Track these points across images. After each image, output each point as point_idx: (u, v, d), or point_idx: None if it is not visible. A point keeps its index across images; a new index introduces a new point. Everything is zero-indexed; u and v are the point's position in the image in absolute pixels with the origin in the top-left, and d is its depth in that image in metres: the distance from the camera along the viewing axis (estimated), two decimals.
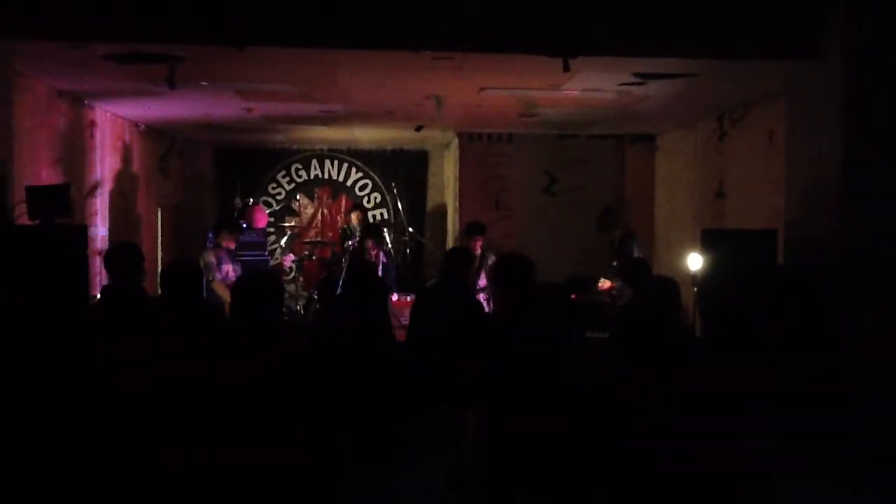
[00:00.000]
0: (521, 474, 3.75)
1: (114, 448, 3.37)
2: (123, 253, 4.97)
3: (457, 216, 10.97)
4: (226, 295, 7.38)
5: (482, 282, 8.32)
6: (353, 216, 9.95)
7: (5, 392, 4.18)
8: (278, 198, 12.23)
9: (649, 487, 3.43)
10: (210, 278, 7.68)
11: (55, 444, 3.46)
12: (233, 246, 8.08)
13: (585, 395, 3.82)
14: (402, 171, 12.21)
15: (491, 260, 8.47)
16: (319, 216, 12.32)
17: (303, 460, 3.19)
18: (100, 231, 8.30)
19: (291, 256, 10.21)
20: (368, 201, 12.31)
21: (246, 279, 3.86)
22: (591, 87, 7.01)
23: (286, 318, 9.80)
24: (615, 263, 7.94)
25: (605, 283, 7.88)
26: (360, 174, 12.35)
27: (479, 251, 8.50)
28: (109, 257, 5.02)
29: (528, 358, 3.89)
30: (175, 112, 8.69)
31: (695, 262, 6.75)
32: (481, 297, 8.00)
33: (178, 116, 9.07)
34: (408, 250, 10.81)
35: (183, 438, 3.26)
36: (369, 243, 8.90)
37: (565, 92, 7.25)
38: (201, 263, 7.93)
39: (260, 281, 3.70)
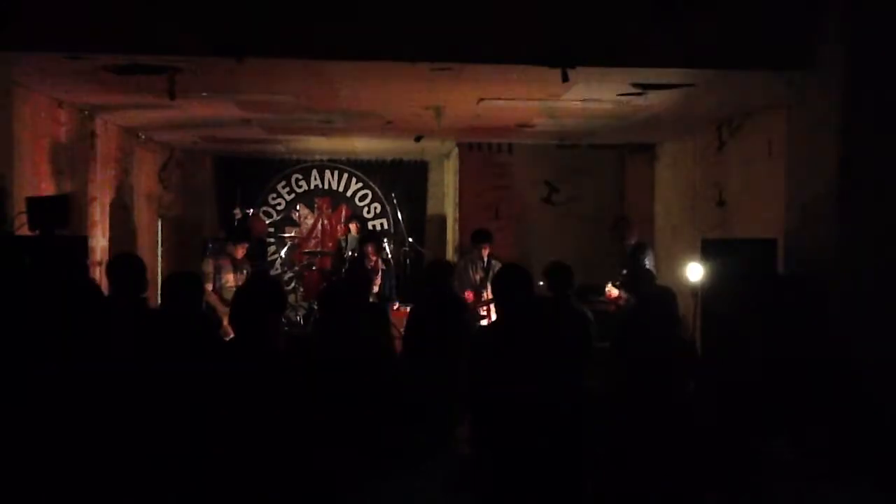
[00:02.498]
0: (511, 481, 3.75)
1: (111, 454, 3.37)
2: (126, 264, 4.97)
3: (457, 226, 10.97)
4: (219, 305, 7.35)
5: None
6: (352, 226, 9.96)
7: (6, 401, 4.17)
8: (278, 208, 12.24)
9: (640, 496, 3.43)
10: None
11: (55, 451, 3.46)
12: (240, 255, 8.02)
13: (577, 404, 3.82)
14: (402, 182, 12.21)
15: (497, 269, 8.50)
16: (319, 226, 12.33)
17: (298, 467, 3.19)
18: (100, 242, 8.30)
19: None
20: (368, 211, 12.31)
21: (246, 285, 3.83)
22: (590, 97, 7.02)
23: (286, 328, 9.81)
24: (624, 272, 7.93)
25: (612, 292, 7.87)
26: (359, 184, 12.36)
27: (486, 258, 8.51)
28: (111, 268, 5.02)
29: (523, 367, 3.89)
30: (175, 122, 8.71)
31: (695, 271, 6.75)
32: (490, 307, 8.02)
33: (178, 127, 9.09)
34: (408, 260, 10.82)
35: (180, 445, 3.26)
36: (369, 249, 8.90)
37: (564, 102, 7.26)
38: (201, 271, 7.90)
39: (261, 287, 3.66)
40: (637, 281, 5.94)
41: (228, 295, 7.21)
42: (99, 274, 7.36)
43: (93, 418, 3.43)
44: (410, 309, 6.64)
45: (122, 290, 4.76)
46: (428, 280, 6.21)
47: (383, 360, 4.03)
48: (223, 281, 7.75)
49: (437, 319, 5.73)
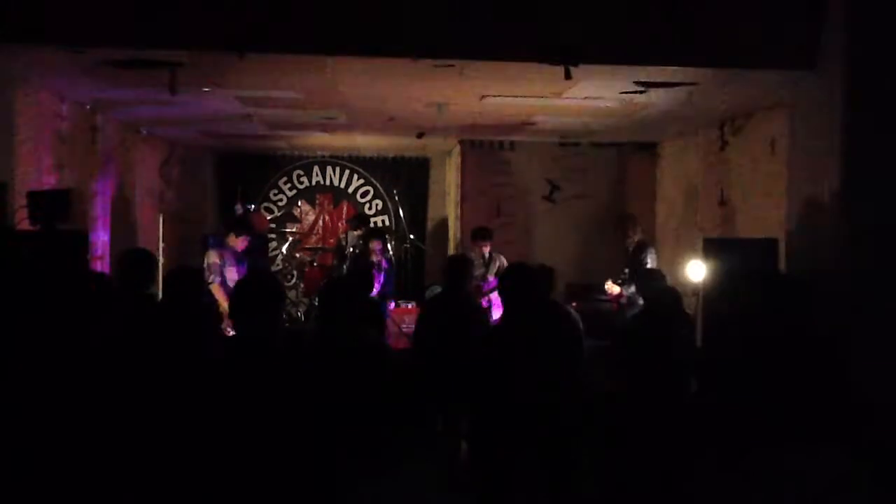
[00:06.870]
0: (512, 477, 3.75)
1: (111, 450, 3.37)
2: (134, 258, 4.95)
3: (458, 223, 10.97)
4: (223, 301, 7.29)
5: (492, 282, 8.36)
6: (357, 232, 9.89)
7: (6, 397, 4.17)
8: (280, 204, 12.23)
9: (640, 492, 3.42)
10: (210, 280, 7.56)
11: (57, 448, 3.45)
12: (241, 247, 7.95)
13: (577, 404, 3.82)
14: (404, 178, 12.20)
15: (498, 262, 8.55)
16: (321, 223, 12.33)
17: (294, 463, 3.19)
18: (101, 237, 8.29)
19: None
20: (370, 208, 12.31)
21: (245, 280, 3.81)
22: (593, 95, 7.01)
23: (286, 323, 9.81)
24: (626, 271, 7.93)
25: (613, 289, 7.88)
26: (361, 181, 12.36)
27: (486, 255, 8.59)
28: (120, 262, 5.00)
29: (526, 368, 3.89)
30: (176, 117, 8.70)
31: (696, 270, 6.75)
32: (491, 298, 8.10)
33: (179, 122, 9.08)
34: (409, 257, 10.81)
35: (180, 441, 3.26)
36: (375, 245, 8.88)
37: (566, 100, 7.25)
38: (205, 264, 7.85)
39: (260, 283, 3.64)
40: (644, 280, 5.91)
41: (230, 290, 7.15)
42: (98, 269, 7.35)
43: (93, 412, 3.43)
44: (423, 305, 6.60)
45: (129, 285, 4.75)
46: (447, 275, 5.93)
47: (381, 358, 4.02)
48: (226, 274, 7.70)
49: (449, 318, 5.60)
